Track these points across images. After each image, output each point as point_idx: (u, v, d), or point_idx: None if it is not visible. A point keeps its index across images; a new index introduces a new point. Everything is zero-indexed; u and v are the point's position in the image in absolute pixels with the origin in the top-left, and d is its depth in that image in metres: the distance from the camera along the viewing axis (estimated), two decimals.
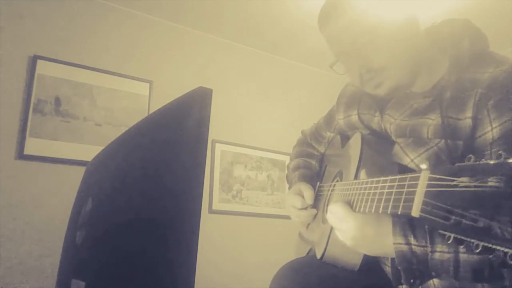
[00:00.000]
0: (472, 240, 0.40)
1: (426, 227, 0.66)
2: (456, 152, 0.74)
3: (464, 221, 0.41)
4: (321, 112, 1.27)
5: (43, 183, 2.15)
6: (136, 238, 0.64)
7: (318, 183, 1.16)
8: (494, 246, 0.38)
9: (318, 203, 1.10)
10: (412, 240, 0.69)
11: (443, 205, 0.44)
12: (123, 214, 0.72)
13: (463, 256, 0.64)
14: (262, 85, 3.07)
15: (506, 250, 0.37)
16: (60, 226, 1.20)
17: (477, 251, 0.39)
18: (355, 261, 0.83)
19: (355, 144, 0.95)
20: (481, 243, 0.39)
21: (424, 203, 0.48)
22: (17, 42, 2.23)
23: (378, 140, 0.92)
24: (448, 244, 0.59)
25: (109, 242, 0.74)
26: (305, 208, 1.09)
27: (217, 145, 2.77)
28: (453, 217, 0.42)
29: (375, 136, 0.94)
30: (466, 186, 0.41)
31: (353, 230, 0.74)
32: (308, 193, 1.09)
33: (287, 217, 3.38)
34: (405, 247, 0.69)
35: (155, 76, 2.60)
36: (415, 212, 0.49)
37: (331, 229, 0.87)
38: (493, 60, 0.77)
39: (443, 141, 0.75)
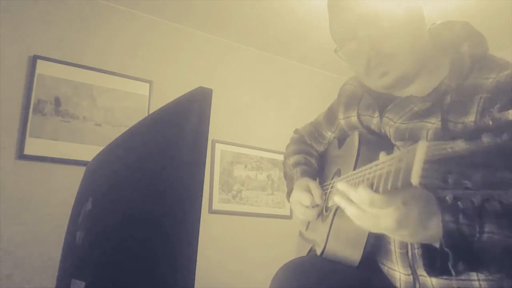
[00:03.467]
0: (470, 192, 0.43)
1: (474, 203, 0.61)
2: None
3: (461, 179, 0.43)
4: (320, 112, 1.26)
5: (43, 183, 2.15)
6: (136, 238, 0.64)
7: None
8: (490, 191, 0.41)
9: None
10: (461, 218, 0.63)
11: (442, 169, 0.45)
12: (123, 214, 0.72)
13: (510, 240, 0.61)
14: (262, 85, 3.07)
15: (500, 192, 0.40)
16: (60, 226, 1.20)
17: (477, 202, 0.42)
18: (355, 257, 0.83)
19: (352, 142, 0.95)
20: (479, 192, 0.42)
21: (424, 169, 0.48)
22: (17, 42, 2.23)
23: (376, 138, 0.92)
24: (497, 223, 0.60)
25: (109, 242, 0.74)
26: (313, 207, 1.04)
27: (217, 145, 2.77)
28: (451, 177, 0.44)
29: (373, 134, 0.94)
30: (461, 148, 0.43)
31: (396, 211, 0.62)
32: (317, 191, 1.04)
33: (287, 217, 3.37)
34: (453, 226, 0.62)
35: (155, 76, 2.60)
36: (415, 179, 0.49)
37: (331, 225, 0.87)
38: (495, 65, 0.77)
39: None
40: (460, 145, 0.43)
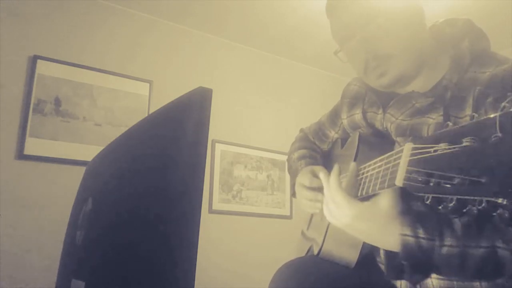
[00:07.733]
0: (447, 196, 0.44)
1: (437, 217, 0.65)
2: None
3: (442, 181, 0.44)
4: (321, 112, 1.26)
5: (43, 183, 2.15)
6: (136, 238, 0.64)
7: None
8: (465, 197, 0.42)
9: None
10: (420, 232, 0.65)
11: (425, 171, 0.47)
12: (122, 214, 0.72)
13: (470, 250, 0.63)
14: (262, 85, 3.07)
15: (475, 198, 0.41)
16: (60, 226, 1.20)
17: (451, 204, 0.43)
18: (351, 257, 0.82)
19: (353, 142, 0.95)
20: (455, 197, 0.43)
21: (408, 172, 0.51)
22: (17, 42, 2.23)
23: (376, 139, 0.92)
24: (457, 236, 0.63)
25: (109, 242, 0.74)
26: (313, 189, 1.02)
27: (217, 145, 2.77)
28: (433, 180, 0.46)
29: (374, 135, 0.94)
30: (444, 150, 0.45)
31: (356, 206, 0.70)
32: (323, 172, 0.96)
33: (287, 217, 3.37)
34: (411, 239, 0.65)
35: (155, 76, 2.60)
36: (399, 181, 0.52)
37: (328, 224, 0.87)
38: (494, 60, 0.77)
39: None
40: (443, 147, 0.45)
